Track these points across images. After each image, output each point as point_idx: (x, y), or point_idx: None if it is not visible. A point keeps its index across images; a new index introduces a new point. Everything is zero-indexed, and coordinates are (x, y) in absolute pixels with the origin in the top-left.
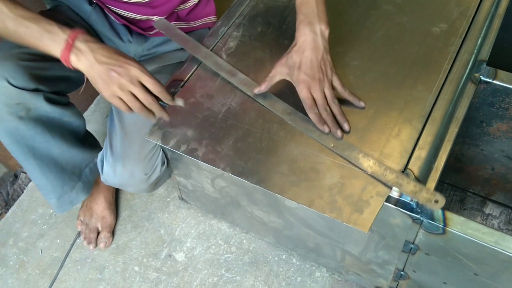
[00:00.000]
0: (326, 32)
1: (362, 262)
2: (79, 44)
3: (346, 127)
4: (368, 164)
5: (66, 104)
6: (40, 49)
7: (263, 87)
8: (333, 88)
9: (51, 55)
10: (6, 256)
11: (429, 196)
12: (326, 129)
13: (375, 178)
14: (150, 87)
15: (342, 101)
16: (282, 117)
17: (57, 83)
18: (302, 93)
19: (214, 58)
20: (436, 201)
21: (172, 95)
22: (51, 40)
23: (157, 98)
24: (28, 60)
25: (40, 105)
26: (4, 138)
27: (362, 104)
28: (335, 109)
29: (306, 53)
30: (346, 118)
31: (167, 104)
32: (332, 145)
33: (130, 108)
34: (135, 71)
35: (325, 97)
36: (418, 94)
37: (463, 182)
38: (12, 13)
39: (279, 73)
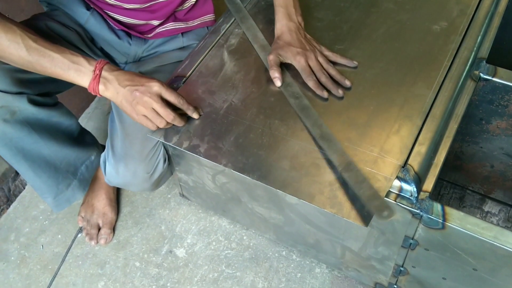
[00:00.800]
0: (302, 23)
1: (361, 258)
2: (105, 73)
3: (347, 83)
4: (340, 161)
5: (54, 105)
6: (64, 78)
7: (277, 74)
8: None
9: (77, 84)
10: (7, 252)
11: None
12: (325, 94)
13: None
14: (172, 100)
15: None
16: (288, 100)
17: (43, 84)
18: (300, 63)
19: (254, 30)
20: (387, 214)
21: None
22: (78, 71)
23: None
24: None
25: (24, 108)
26: None
27: (355, 63)
28: (332, 71)
29: (292, 36)
30: (344, 77)
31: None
32: (318, 137)
33: (157, 126)
34: (156, 88)
35: (320, 64)
36: (418, 91)
37: (463, 180)
38: (36, 44)
39: (276, 56)
